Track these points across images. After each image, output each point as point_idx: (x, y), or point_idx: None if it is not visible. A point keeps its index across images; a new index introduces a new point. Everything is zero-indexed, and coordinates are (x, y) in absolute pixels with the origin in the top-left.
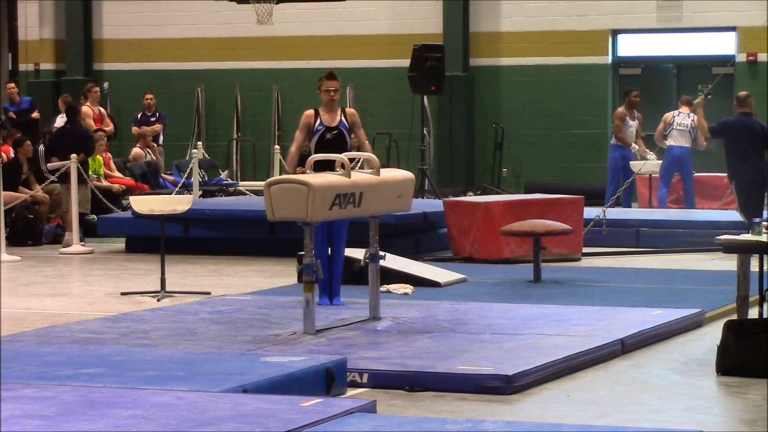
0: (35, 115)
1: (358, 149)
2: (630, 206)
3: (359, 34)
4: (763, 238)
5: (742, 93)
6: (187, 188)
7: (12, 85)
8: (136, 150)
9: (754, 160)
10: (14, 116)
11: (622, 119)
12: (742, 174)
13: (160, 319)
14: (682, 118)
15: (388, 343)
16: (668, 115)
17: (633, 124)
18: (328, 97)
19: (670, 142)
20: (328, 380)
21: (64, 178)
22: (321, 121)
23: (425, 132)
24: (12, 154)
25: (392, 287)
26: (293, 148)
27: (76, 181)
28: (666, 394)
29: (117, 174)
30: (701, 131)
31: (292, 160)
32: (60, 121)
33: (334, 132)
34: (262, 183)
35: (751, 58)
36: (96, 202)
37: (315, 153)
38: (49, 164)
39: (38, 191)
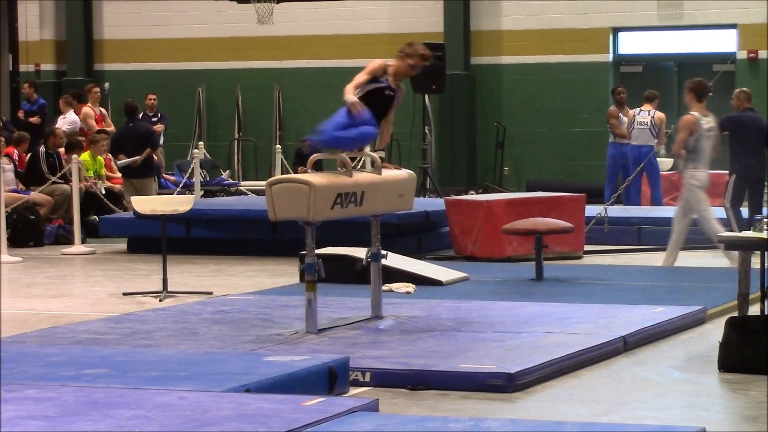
0: (34, 120)
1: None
2: (630, 203)
3: (360, 33)
4: (765, 235)
5: (746, 89)
6: (188, 188)
7: (26, 85)
8: None
9: (761, 156)
10: (22, 116)
11: (616, 116)
12: (748, 168)
13: (162, 320)
14: (642, 116)
15: (391, 342)
16: (631, 113)
17: (626, 121)
18: (412, 73)
19: (632, 141)
20: (331, 379)
21: (132, 173)
22: (388, 82)
23: (427, 131)
24: (15, 156)
25: (394, 286)
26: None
27: (77, 179)
28: (668, 391)
29: (118, 175)
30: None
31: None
32: (61, 121)
33: (390, 94)
34: (264, 183)
35: (752, 55)
36: (97, 202)
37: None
38: (117, 161)
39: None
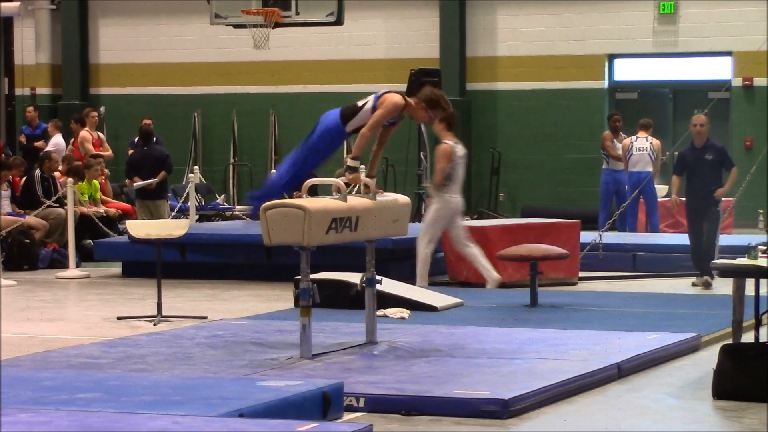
0: (39, 144)
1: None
2: (626, 229)
3: (356, 58)
4: (760, 262)
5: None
6: (183, 213)
7: (31, 109)
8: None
9: None
10: (24, 141)
11: (611, 140)
12: None
13: (156, 344)
14: (640, 142)
15: (385, 368)
16: (626, 141)
17: (619, 147)
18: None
19: (630, 168)
20: (325, 405)
21: (148, 195)
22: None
23: (422, 156)
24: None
25: (389, 312)
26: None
27: (72, 203)
28: (663, 418)
29: (112, 199)
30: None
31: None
32: (53, 144)
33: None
34: None
35: (747, 82)
36: (92, 226)
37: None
38: (135, 184)
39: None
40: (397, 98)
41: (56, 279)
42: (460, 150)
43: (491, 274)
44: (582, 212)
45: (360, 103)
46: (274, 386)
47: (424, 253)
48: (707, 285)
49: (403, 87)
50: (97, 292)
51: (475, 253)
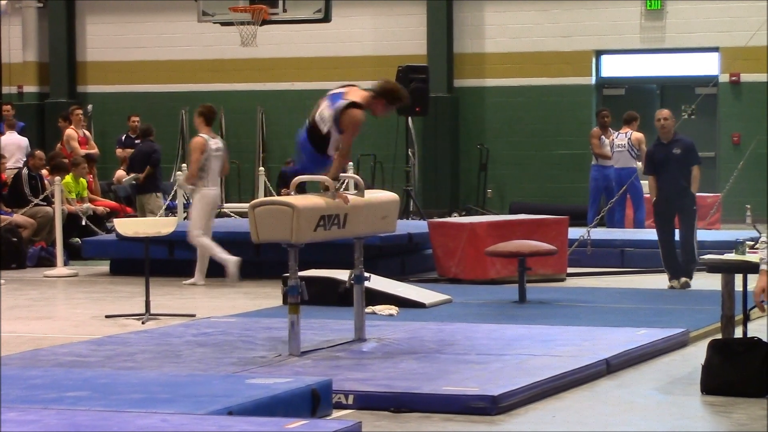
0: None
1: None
2: (614, 226)
3: (344, 55)
4: (748, 257)
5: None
6: (171, 210)
7: (8, 107)
8: (121, 172)
9: None
10: None
11: (598, 137)
12: None
13: (144, 342)
14: (620, 138)
15: (374, 365)
16: (611, 138)
17: (607, 143)
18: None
19: (614, 164)
20: (314, 402)
21: (136, 189)
22: None
23: (410, 153)
24: None
25: (377, 308)
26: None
27: (60, 201)
28: (651, 413)
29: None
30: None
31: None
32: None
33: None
34: (247, 205)
35: (733, 78)
36: (80, 224)
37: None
38: (123, 179)
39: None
40: (359, 115)
41: (44, 277)
42: (214, 143)
43: (228, 258)
44: (570, 208)
45: (324, 129)
46: (263, 384)
47: (202, 247)
48: (686, 285)
49: None
50: (86, 290)
51: (207, 244)
